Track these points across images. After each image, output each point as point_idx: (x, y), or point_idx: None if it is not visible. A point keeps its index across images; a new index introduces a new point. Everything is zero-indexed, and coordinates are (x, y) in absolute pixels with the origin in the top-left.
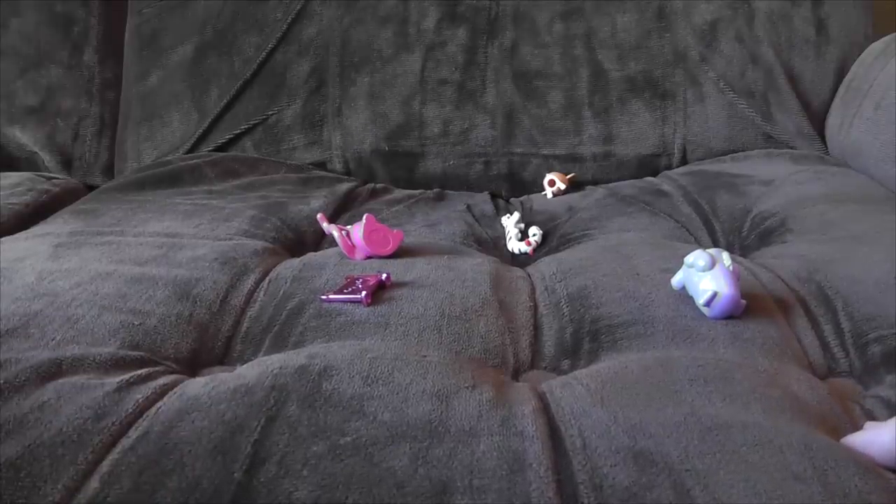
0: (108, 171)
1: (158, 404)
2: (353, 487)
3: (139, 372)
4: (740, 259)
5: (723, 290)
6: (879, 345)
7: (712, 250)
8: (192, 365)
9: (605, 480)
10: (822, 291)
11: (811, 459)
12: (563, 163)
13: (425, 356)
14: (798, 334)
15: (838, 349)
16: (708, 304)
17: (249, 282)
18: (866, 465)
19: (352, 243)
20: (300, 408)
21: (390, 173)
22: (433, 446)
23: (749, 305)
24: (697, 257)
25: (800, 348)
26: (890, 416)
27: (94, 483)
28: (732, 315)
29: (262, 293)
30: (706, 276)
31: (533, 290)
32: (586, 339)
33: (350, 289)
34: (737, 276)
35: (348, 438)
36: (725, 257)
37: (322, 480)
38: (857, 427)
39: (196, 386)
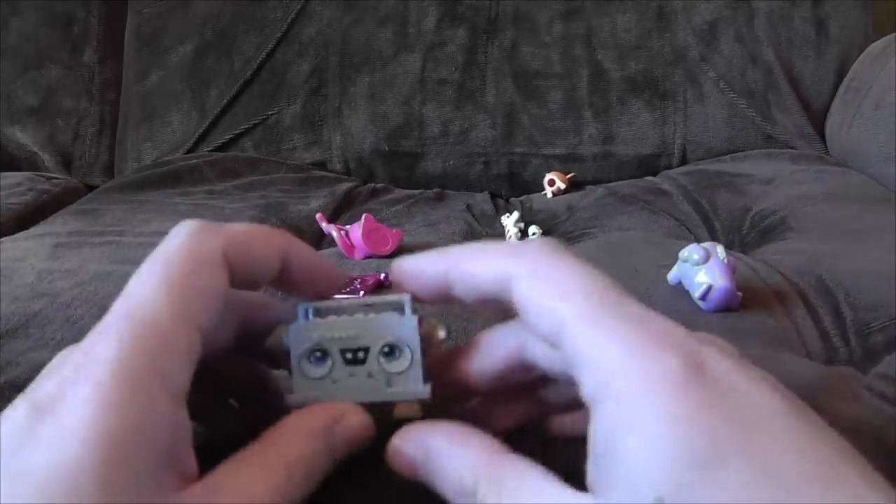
0: (108, 171)
1: None
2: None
3: None
4: (740, 255)
5: (718, 283)
6: (882, 335)
7: (706, 244)
8: None
9: None
10: (823, 283)
11: None
12: (563, 163)
13: None
14: (797, 325)
15: (838, 339)
16: (703, 297)
17: None
18: None
19: (351, 243)
20: None
21: (390, 173)
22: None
23: (746, 298)
24: (692, 252)
25: (798, 339)
26: (891, 389)
27: None
28: (729, 308)
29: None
30: (701, 270)
31: None
32: None
33: (348, 288)
34: (732, 269)
35: None
36: (720, 250)
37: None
38: None
39: None
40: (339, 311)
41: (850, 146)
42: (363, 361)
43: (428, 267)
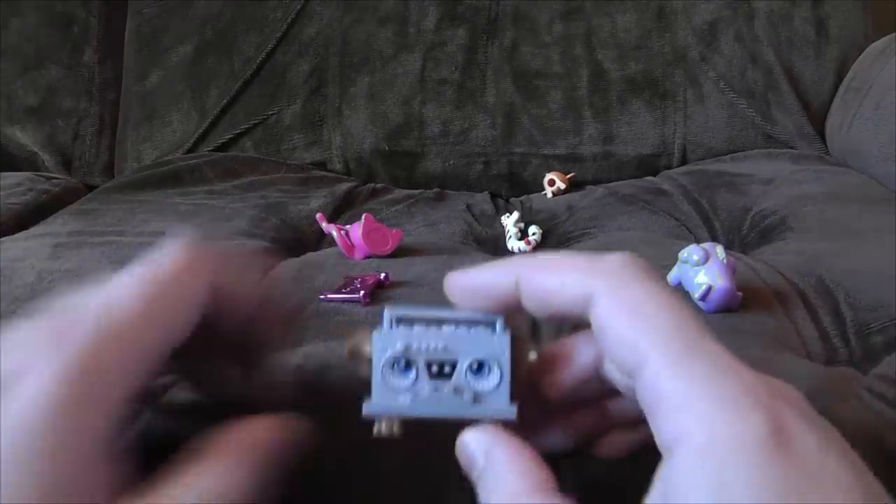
0: (108, 171)
1: None
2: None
3: None
4: (740, 255)
5: (717, 283)
6: (882, 335)
7: (706, 244)
8: None
9: None
10: (823, 284)
11: None
12: (563, 163)
13: None
14: (797, 325)
15: (837, 339)
16: (703, 298)
17: None
18: None
19: (351, 243)
20: None
21: (390, 173)
22: (430, 446)
23: (746, 298)
24: (691, 252)
25: (798, 339)
26: (891, 391)
27: None
28: (729, 308)
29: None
30: (701, 271)
31: None
32: None
33: (348, 288)
34: (731, 269)
35: None
36: (719, 251)
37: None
38: None
39: None
40: (427, 321)
41: (850, 146)
42: (449, 376)
43: (493, 279)
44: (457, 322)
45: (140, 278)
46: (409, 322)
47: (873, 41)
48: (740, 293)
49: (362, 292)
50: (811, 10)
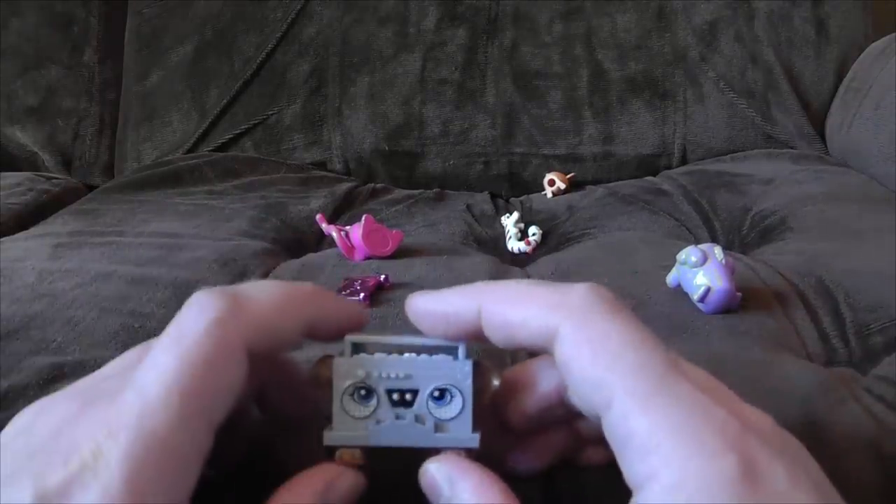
0: (108, 171)
1: None
2: None
3: None
4: (739, 256)
5: (716, 284)
6: (882, 335)
7: (704, 245)
8: None
9: None
10: (823, 284)
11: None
12: (563, 163)
13: None
14: (796, 326)
15: (837, 340)
16: (702, 299)
17: None
18: None
19: (351, 244)
20: None
21: (390, 173)
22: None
23: (746, 299)
24: (689, 254)
25: (798, 340)
26: (891, 392)
27: None
28: (728, 309)
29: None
30: (699, 272)
31: None
32: None
33: (348, 290)
34: (730, 270)
35: None
36: (718, 251)
37: None
38: None
39: None
40: (387, 348)
41: (850, 146)
42: (410, 403)
43: (456, 306)
44: (418, 349)
45: (173, 367)
46: (371, 349)
47: (873, 41)
48: (739, 294)
49: (362, 294)
50: (811, 10)
